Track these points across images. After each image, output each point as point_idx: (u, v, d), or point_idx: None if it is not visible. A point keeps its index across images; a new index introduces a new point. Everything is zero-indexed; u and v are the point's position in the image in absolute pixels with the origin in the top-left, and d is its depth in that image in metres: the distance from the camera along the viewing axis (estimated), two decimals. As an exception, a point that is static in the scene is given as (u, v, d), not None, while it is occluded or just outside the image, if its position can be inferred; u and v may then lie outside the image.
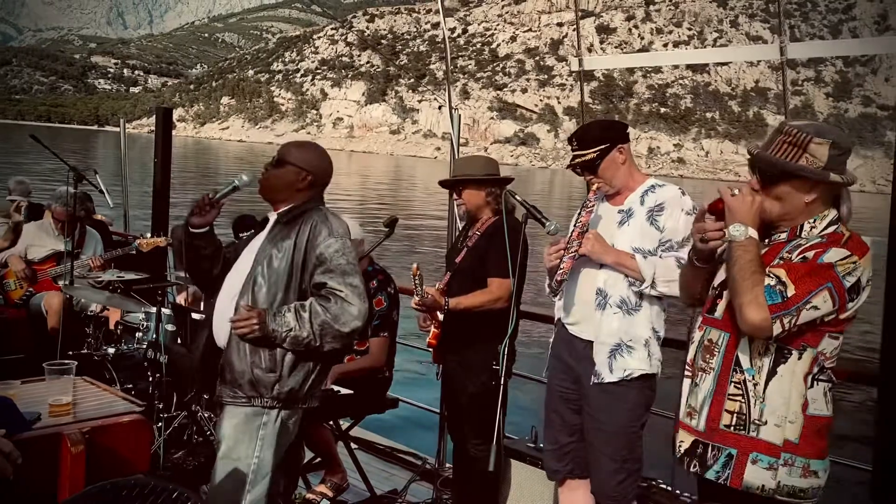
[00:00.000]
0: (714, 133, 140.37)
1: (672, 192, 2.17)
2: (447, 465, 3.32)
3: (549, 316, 2.51)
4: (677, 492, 2.47)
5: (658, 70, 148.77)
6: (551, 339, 2.35)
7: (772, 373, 1.54)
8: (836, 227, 1.56)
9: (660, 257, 2.11)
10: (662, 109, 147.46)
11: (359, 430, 3.40)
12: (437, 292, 2.59)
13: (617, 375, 2.13)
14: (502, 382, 2.15)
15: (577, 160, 2.20)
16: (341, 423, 3.09)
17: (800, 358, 1.54)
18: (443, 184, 2.84)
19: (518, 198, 2.43)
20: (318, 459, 3.12)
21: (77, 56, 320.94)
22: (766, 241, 1.61)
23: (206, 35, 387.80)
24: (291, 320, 1.90)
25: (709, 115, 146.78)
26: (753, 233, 1.53)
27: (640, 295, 2.12)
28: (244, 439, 1.96)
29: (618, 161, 2.18)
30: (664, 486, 2.50)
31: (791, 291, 1.47)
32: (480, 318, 2.54)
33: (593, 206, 2.15)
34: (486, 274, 2.56)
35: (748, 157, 1.62)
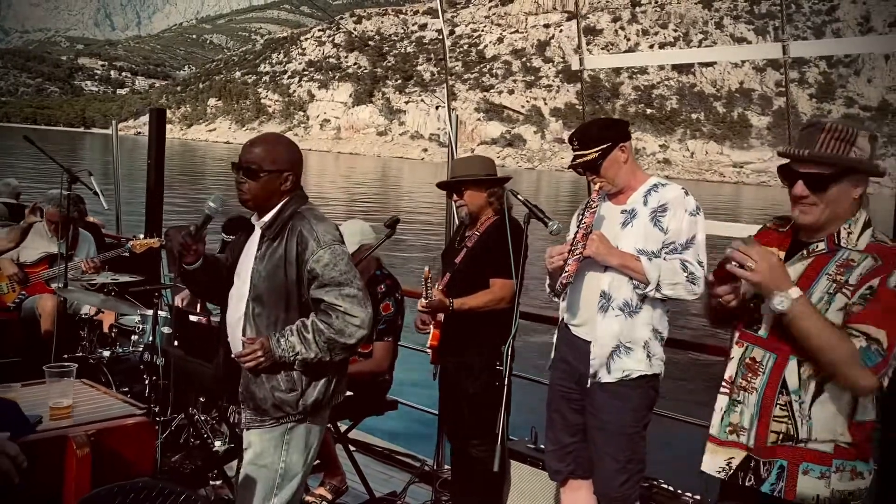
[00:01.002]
0: (699, 134, 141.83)
1: (675, 192, 2.15)
2: (446, 466, 3.32)
3: (548, 316, 2.51)
4: (679, 491, 2.47)
5: (644, 71, 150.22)
6: (554, 340, 2.35)
7: (818, 391, 1.50)
8: (871, 229, 1.52)
9: (664, 259, 2.10)
10: (648, 110, 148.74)
11: (357, 432, 3.38)
12: (440, 293, 2.58)
13: (615, 376, 2.13)
14: (506, 383, 2.13)
15: (578, 160, 2.18)
16: (340, 425, 3.08)
17: None
18: (443, 185, 2.80)
19: (520, 197, 2.41)
20: (317, 461, 3.10)
21: (64, 58, 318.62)
22: (805, 252, 1.55)
23: (195, 36, 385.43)
24: (297, 343, 1.87)
25: (694, 115, 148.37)
26: (796, 292, 1.44)
27: (643, 297, 2.11)
28: (270, 447, 1.94)
29: (620, 160, 2.16)
30: (666, 486, 2.50)
31: (886, 344, 1.41)
32: (480, 319, 2.54)
33: (597, 206, 2.13)
34: (488, 274, 2.56)
35: (789, 161, 1.53)
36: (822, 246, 1.55)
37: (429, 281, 2.50)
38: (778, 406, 1.54)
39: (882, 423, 2.07)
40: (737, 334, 1.65)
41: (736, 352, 1.63)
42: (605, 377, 2.14)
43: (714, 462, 1.63)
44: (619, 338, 2.13)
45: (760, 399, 1.56)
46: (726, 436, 1.61)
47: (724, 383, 1.64)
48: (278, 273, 1.91)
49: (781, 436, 1.54)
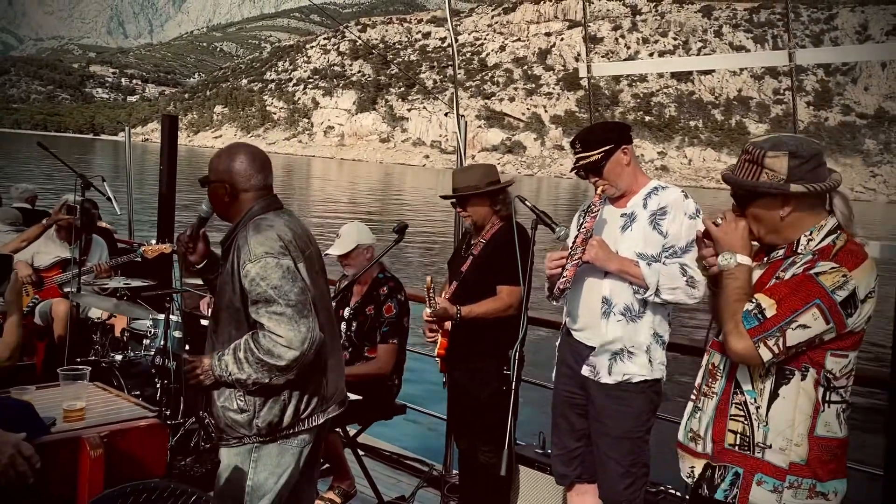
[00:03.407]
0: (697, 141, 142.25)
1: (675, 195, 2.16)
2: (454, 471, 3.33)
3: (557, 322, 2.52)
4: (688, 497, 2.46)
5: (643, 79, 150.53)
6: (557, 344, 2.36)
7: (773, 395, 1.50)
8: (834, 236, 1.51)
9: (663, 263, 2.11)
10: (647, 118, 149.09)
11: (366, 436, 3.40)
12: (446, 302, 2.57)
13: (615, 379, 2.14)
14: (514, 388, 2.13)
15: (581, 162, 2.18)
16: (349, 429, 3.09)
17: (803, 379, 1.48)
18: (445, 198, 2.78)
19: (528, 203, 2.39)
20: (326, 466, 3.12)
21: (76, 65, 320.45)
22: (766, 259, 1.58)
23: (205, 44, 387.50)
24: (230, 363, 1.79)
25: (692, 123, 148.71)
26: (743, 259, 1.53)
27: (644, 301, 2.12)
28: (236, 463, 1.90)
29: (622, 162, 2.17)
30: (674, 491, 2.49)
31: (771, 312, 1.44)
32: (489, 326, 2.54)
33: (598, 210, 2.13)
34: (495, 281, 2.56)
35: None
36: (780, 253, 1.57)
37: (431, 291, 2.49)
38: (734, 405, 1.56)
39: (887, 431, 2.08)
40: (710, 342, 1.67)
41: (704, 359, 1.66)
42: (605, 378, 2.15)
43: (683, 467, 1.67)
44: (623, 342, 2.14)
45: (717, 402, 1.58)
46: (688, 442, 1.64)
47: (693, 390, 1.67)
48: (226, 289, 1.86)
49: (739, 437, 1.54)
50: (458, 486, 3.04)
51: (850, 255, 1.47)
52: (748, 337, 1.45)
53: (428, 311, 2.53)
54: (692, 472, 1.63)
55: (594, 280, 2.17)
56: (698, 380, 1.65)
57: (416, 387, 3.54)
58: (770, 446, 1.50)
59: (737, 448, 1.54)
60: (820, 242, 1.51)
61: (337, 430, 2.99)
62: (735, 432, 1.54)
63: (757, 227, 1.56)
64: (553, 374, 2.37)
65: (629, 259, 2.11)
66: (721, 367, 1.59)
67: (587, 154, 2.16)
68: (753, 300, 1.48)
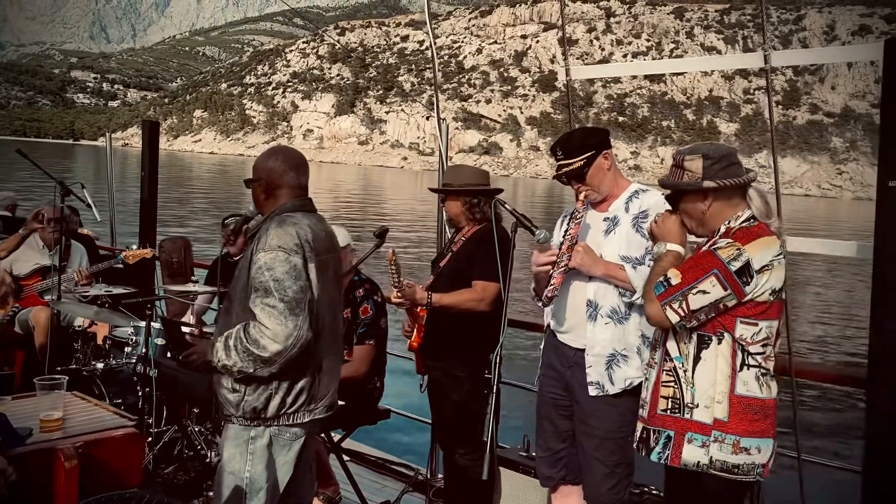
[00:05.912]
0: (669, 141, 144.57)
1: (655, 197, 2.19)
2: (439, 475, 3.33)
3: (534, 323, 2.53)
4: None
5: (617, 80, 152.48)
6: (541, 346, 2.37)
7: (697, 358, 1.75)
8: (748, 223, 1.76)
9: (648, 266, 2.11)
10: (620, 118, 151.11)
11: (350, 441, 3.40)
12: (415, 284, 2.57)
13: (619, 386, 2.14)
14: (495, 390, 2.11)
15: (563, 169, 2.20)
16: (333, 435, 3.08)
17: (719, 343, 1.74)
18: (433, 190, 2.92)
19: (508, 206, 2.41)
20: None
21: (56, 71, 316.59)
22: (696, 246, 1.86)
23: (188, 49, 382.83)
24: (220, 349, 1.86)
25: (665, 123, 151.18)
26: (673, 246, 1.83)
27: (630, 303, 2.14)
28: (236, 453, 1.95)
29: (604, 167, 2.20)
30: (656, 492, 2.49)
31: (675, 281, 1.73)
32: (464, 324, 2.55)
33: (582, 217, 2.16)
34: (472, 276, 2.57)
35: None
36: (704, 240, 1.86)
37: (393, 265, 2.41)
38: (665, 372, 1.81)
39: (866, 430, 2.14)
40: None
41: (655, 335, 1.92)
42: (611, 389, 2.15)
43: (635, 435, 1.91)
44: (613, 345, 2.15)
45: (656, 370, 1.84)
46: (640, 412, 1.90)
47: (645, 364, 1.97)
48: (241, 275, 1.95)
49: (670, 401, 1.78)
50: (443, 489, 3.04)
51: (746, 232, 1.74)
52: (657, 302, 1.74)
53: (395, 292, 2.48)
54: (637, 437, 1.88)
55: (579, 283, 2.19)
56: (646, 354, 1.93)
57: (402, 390, 3.53)
58: (697, 405, 1.73)
59: (668, 412, 1.77)
60: (737, 230, 1.76)
61: (321, 435, 2.98)
62: (666, 397, 1.78)
63: (688, 222, 1.85)
64: (536, 377, 2.38)
65: (614, 264, 2.13)
66: (659, 339, 1.85)
67: (569, 161, 2.19)
68: (665, 275, 1.76)
